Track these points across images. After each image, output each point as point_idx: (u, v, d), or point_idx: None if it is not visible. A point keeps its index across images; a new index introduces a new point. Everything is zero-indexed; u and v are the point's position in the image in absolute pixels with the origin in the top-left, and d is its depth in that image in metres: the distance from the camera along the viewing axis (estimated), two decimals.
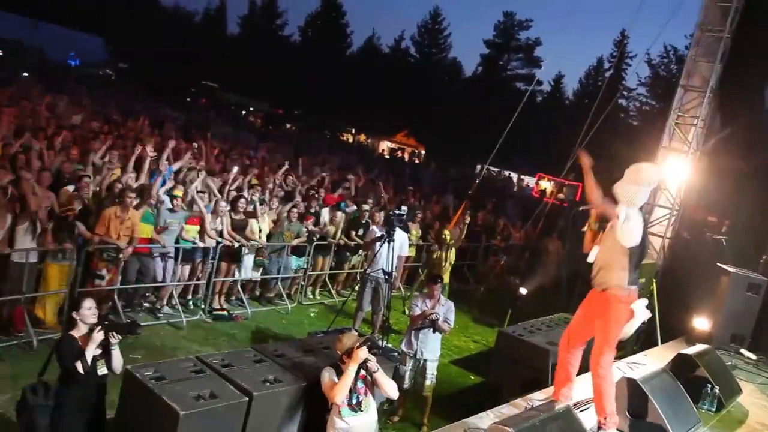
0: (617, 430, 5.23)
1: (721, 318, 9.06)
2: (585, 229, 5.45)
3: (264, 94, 51.81)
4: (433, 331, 7.12)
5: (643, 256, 5.03)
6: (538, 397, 5.95)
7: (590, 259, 5.20)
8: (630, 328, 5.52)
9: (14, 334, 7.44)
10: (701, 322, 8.97)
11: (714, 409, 6.46)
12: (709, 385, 6.53)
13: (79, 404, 4.67)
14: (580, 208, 5.76)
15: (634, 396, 5.52)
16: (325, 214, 11.61)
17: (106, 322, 4.88)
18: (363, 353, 4.78)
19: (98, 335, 4.61)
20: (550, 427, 4.19)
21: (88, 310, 4.77)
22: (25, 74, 26.52)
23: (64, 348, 4.65)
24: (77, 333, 4.73)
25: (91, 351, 4.59)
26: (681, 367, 6.71)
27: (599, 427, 5.06)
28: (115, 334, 4.71)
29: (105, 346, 4.69)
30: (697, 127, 11.20)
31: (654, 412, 5.40)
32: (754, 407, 7.00)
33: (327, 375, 4.89)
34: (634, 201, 4.92)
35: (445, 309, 7.18)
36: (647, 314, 5.31)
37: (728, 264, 9.43)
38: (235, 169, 11.41)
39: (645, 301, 5.27)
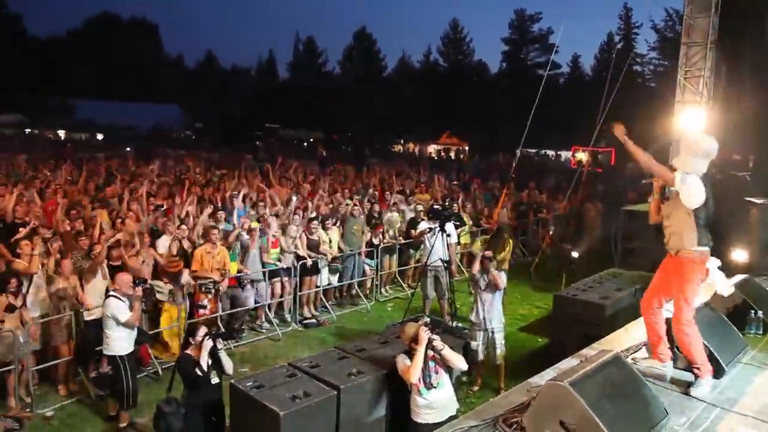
0: (662, 365, 5.08)
1: (756, 247, 8.65)
2: (650, 200, 5.30)
3: (318, 124, 52.66)
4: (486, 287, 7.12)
5: (710, 216, 4.80)
6: (594, 350, 5.83)
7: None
8: (725, 287, 5.36)
9: (143, 367, 7.81)
10: (738, 254, 8.59)
11: (761, 332, 6.18)
12: (753, 311, 6.26)
13: (203, 408, 5.04)
14: (643, 181, 5.57)
15: None
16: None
17: (213, 332, 5.27)
18: (425, 334, 4.87)
19: (208, 343, 5.01)
20: (602, 375, 4.09)
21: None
22: (128, 149, 27.45)
23: (184, 362, 5.07)
24: (192, 352, 5.11)
25: (205, 357, 4.99)
26: (723, 299, 6.45)
27: (696, 377, 4.90)
28: (220, 339, 5.13)
29: (213, 354, 5.03)
30: (705, 78, 10.81)
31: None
32: None
33: (401, 360, 4.99)
34: (690, 169, 4.69)
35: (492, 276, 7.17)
36: (721, 274, 5.14)
37: (756, 197, 9.01)
38: (294, 198, 11.74)
39: (718, 261, 5.09)
